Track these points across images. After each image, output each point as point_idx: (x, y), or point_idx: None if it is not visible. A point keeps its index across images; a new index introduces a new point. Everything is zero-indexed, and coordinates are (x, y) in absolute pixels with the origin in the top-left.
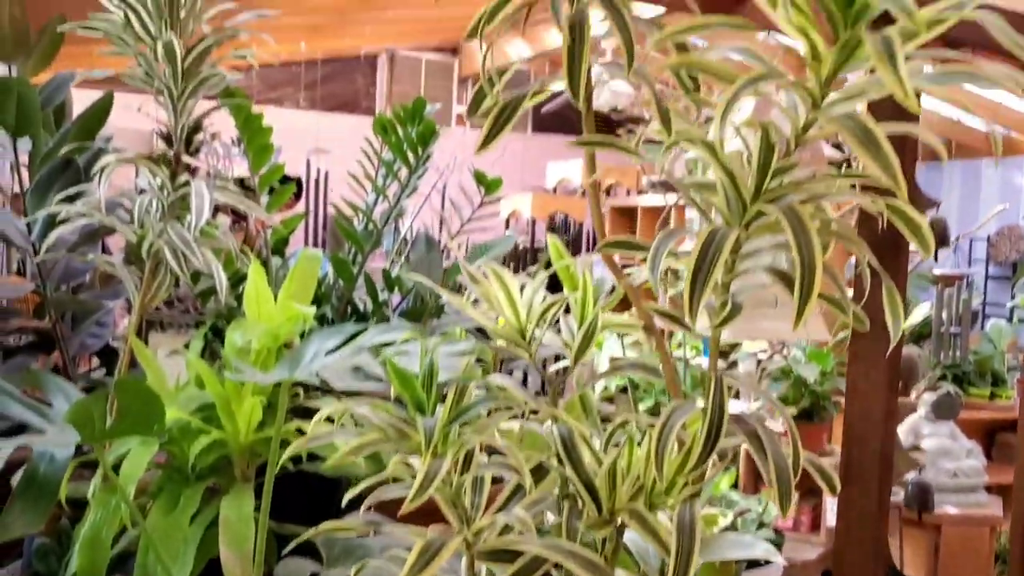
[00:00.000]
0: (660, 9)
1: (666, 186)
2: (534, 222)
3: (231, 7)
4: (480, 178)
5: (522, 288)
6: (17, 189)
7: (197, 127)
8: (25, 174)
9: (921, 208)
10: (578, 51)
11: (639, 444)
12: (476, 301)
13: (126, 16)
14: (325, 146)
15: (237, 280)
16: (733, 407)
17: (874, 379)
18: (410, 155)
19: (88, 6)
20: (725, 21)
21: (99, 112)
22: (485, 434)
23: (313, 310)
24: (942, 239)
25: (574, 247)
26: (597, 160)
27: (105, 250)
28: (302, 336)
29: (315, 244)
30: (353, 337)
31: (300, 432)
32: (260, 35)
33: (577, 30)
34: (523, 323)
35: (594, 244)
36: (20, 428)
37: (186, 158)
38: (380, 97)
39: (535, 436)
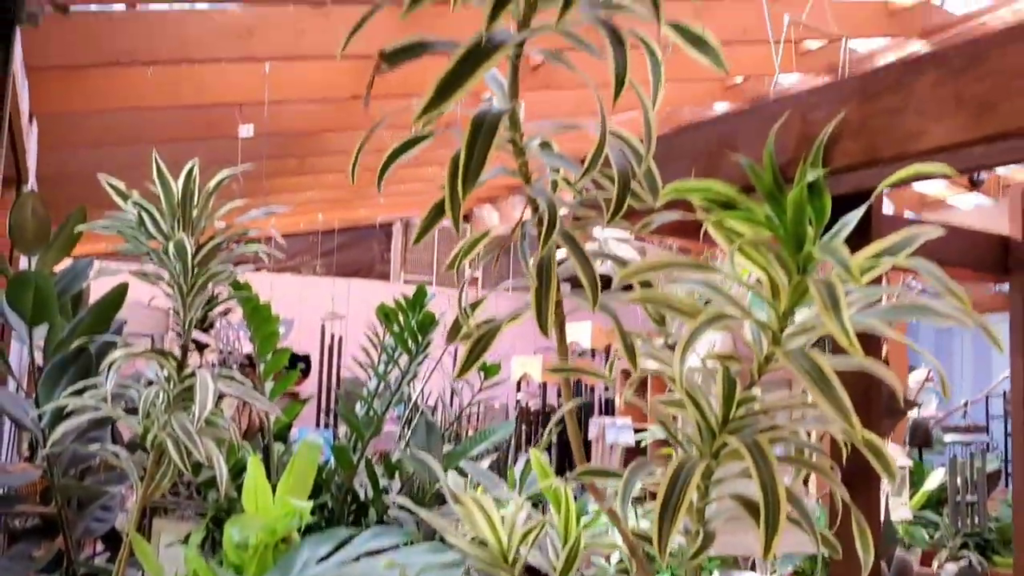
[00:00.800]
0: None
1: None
2: (545, 385)
3: (244, 203)
4: (480, 365)
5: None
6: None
7: (211, 305)
8: (40, 355)
9: (901, 411)
10: (545, 292)
11: None
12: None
13: (140, 216)
14: (340, 311)
15: (239, 470)
16: None
17: None
18: (410, 342)
19: (107, 201)
20: (686, 262)
21: (114, 300)
22: None
23: (310, 505)
24: (925, 440)
25: (586, 410)
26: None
27: (116, 431)
28: (300, 530)
29: (328, 411)
30: (346, 542)
31: None
32: (274, 230)
33: (544, 273)
34: (505, 547)
35: (606, 407)
36: None
37: (197, 334)
38: (395, 263)
39: None
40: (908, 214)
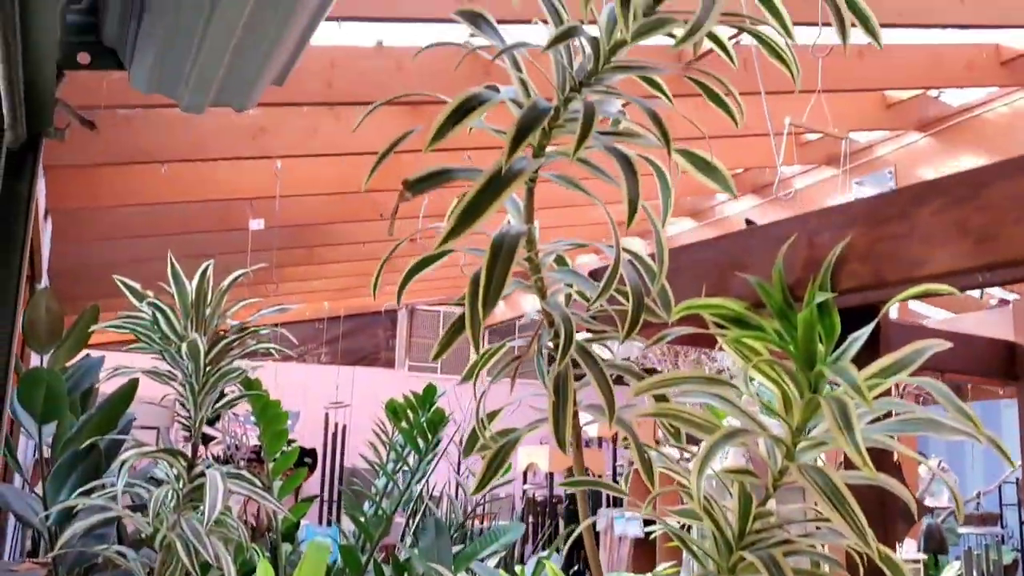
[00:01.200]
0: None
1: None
2: (552, 475)
3: (256, 300)
4: None
5: None
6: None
7: (222, 404)
8: (48, 449)
9: (915, 518)
10: (562, 407)
11: None
12: None
13: (155, 316)
14: (345, 398)
15: (247, 571)
16: None
17: None
18: (420, 440)
19: (120, 292)
20: (701, 376)
21: (124, 397)
22: None
23: None
24: (940, 547)
25: (594, 500)
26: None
27: (121, 524)
28: None
29: (331, 499)
30: None
31: None
32: (281, 327)
33: (561, 389)
34: None
35: (614, 498)
36: None
37: (205, 428)
38: (400, 350)
39: None
40: (912, 304)
